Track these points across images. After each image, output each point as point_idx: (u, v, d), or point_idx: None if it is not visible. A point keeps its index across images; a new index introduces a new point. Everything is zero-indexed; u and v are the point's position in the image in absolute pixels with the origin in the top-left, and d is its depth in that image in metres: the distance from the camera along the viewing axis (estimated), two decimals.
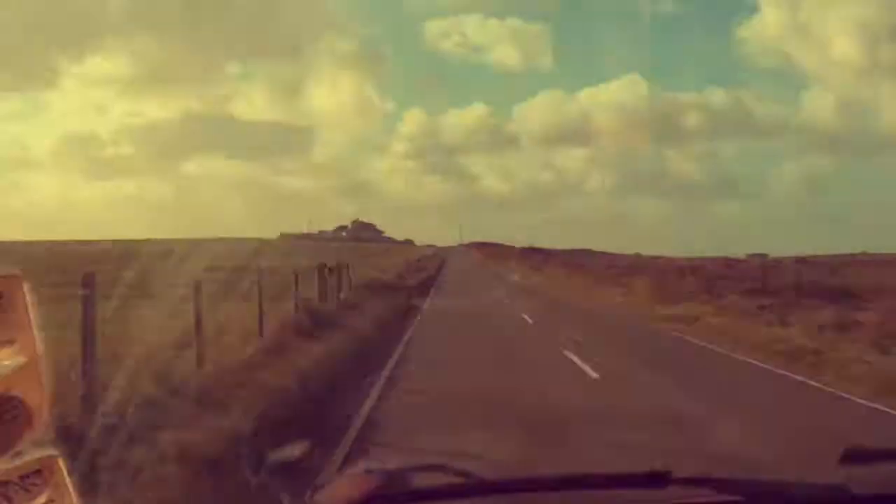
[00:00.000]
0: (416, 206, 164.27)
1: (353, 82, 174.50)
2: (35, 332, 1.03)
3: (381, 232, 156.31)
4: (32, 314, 1.04)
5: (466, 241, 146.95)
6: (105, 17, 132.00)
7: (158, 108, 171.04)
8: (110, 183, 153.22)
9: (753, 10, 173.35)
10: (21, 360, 1.02)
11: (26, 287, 1.03)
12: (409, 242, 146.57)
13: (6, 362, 1.01)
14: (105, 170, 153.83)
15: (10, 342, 1.03)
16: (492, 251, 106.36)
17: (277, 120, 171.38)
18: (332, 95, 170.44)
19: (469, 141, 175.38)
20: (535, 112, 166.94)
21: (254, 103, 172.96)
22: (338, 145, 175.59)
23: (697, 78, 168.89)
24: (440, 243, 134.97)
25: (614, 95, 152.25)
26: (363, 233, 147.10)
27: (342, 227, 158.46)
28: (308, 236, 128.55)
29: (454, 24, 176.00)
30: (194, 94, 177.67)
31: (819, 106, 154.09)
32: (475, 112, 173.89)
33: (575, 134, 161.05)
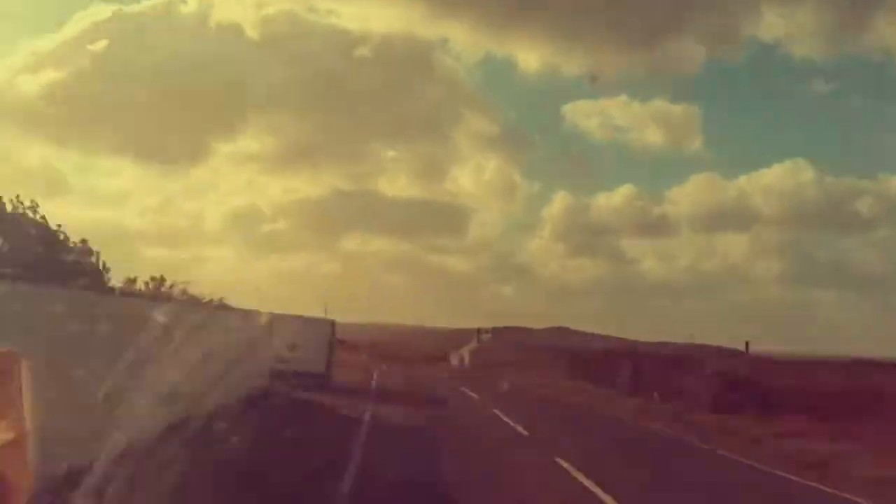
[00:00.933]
0: (568, 288, 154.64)
1: (497, 163, 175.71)
2: (27, 408, 1.02)
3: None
4: (27, 390, 1.03)
5: None
6: (249, 97, 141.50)
7: (308, 185, 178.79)
8: (277, 256, 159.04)
9: None
10: (8, 436, 1.01)
11: (23, 363, 1.03)
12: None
13: None
14: (270, 244, 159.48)
15: (1, 418, 1.02)
16: None
17: (425, 198, 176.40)
18: (478, 176, 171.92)
19: (619, 223, 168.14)
20: (689, 195, 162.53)
21: (398, 181, 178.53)
22: (489, 226, 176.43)
23: (867, 164, 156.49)
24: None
25: (777, 179, 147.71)
26: None
27: None
28: None
29: (596, 107, 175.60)
30: (341, 171, 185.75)
31: None
32: (623, 194, 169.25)
33: (735, 219, 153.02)
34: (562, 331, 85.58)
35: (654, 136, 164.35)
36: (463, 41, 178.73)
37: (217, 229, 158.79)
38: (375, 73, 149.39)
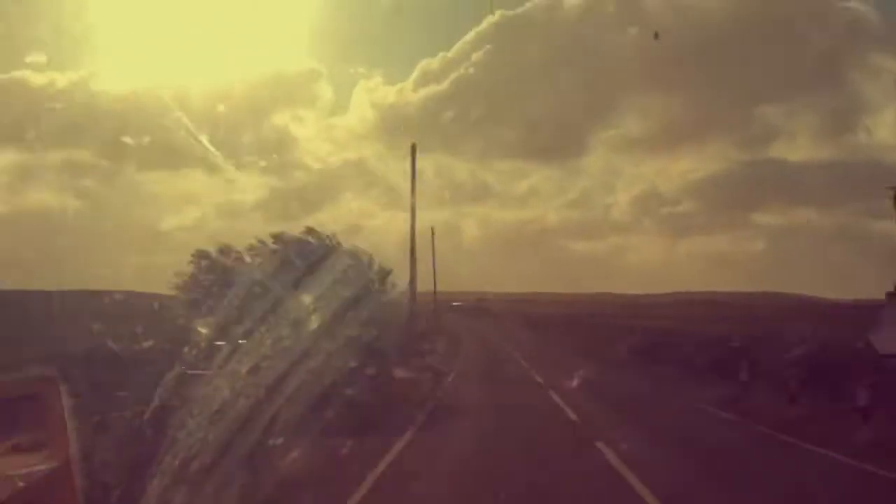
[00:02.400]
0: None
1: None
2: (70, 435, 1.00)
3: None
4: (67, 417, 1.01)
5: None
6: (623, 82, 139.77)
7: (702, 162, 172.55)
8: (692, 239, 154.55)
9: None
10: (53, 464, 0.99)
11: (63, 389, 1.00)
12: None
13: (38, 467, 0.98)
14: (680, 227, 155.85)
15: (43, 446, 1.00)
16: None
17: (836, 159, 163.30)
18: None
19: None
20: None
21: (799, 143, 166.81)
22: None
23: None
24: None
25: None
26: None
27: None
28: None
29: None
30: (733, 141, 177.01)
31: None
32: None
33: None
34: None
35: None
36: None
37: (625, 218, 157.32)
38: (746, 25, 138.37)
